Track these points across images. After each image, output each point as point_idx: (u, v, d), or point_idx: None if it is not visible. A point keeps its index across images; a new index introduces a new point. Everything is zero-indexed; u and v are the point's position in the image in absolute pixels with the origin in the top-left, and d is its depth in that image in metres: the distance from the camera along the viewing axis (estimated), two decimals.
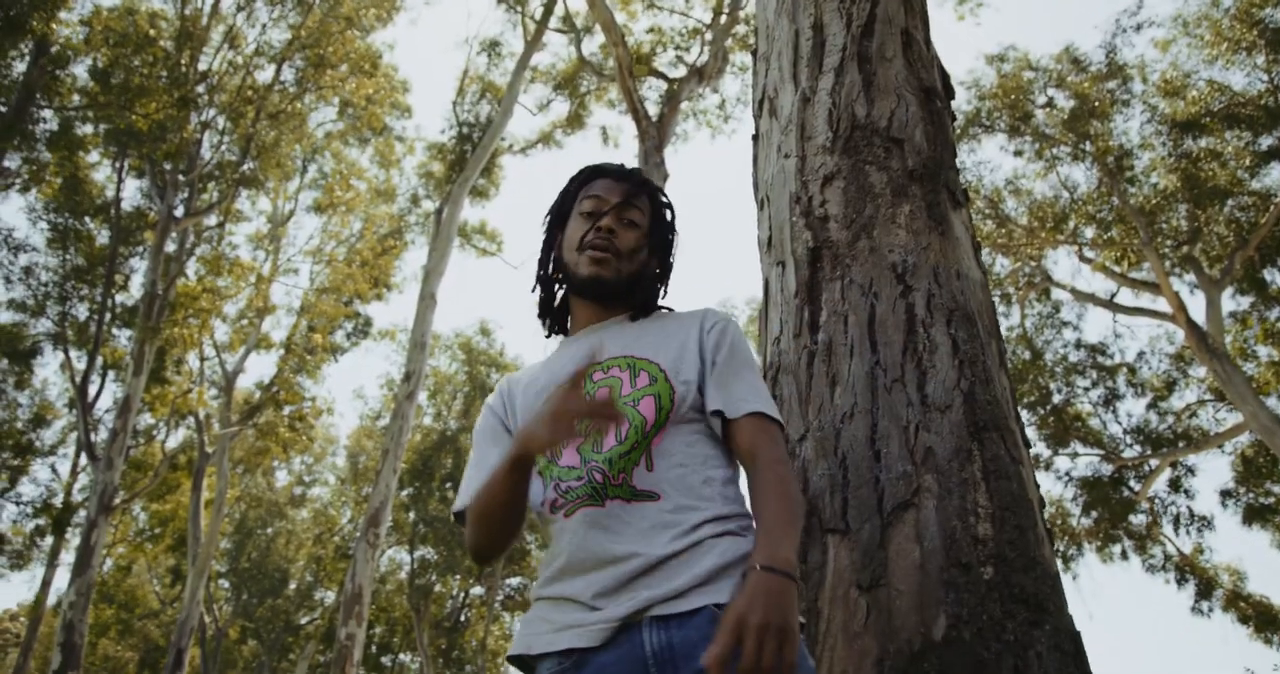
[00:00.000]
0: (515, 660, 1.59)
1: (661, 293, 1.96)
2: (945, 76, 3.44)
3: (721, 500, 1.61)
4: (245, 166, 20.17)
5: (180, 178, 18.97)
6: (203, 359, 21.68)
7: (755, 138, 3.47)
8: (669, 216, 1.97)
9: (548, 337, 1.97)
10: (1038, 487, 2.57)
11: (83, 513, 17.09)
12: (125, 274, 20.33)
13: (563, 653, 1.50)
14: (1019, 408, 2.73)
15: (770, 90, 3.39)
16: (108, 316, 19.58)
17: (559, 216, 1.94)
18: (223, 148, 20.09)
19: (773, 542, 1.45)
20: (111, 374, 19.84)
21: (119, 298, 20.15)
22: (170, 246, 18.98)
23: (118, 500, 17.10)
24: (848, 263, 2.73)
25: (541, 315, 1.95)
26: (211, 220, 20.95)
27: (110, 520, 20.06)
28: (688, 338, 1.78)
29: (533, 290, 1.97)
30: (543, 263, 1.96)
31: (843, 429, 2.43)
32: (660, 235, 1.93)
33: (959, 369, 2.48)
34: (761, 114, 3.41)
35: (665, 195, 2.01)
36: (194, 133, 19.04)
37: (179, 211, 18.99)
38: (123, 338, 20.33)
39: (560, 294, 1.95)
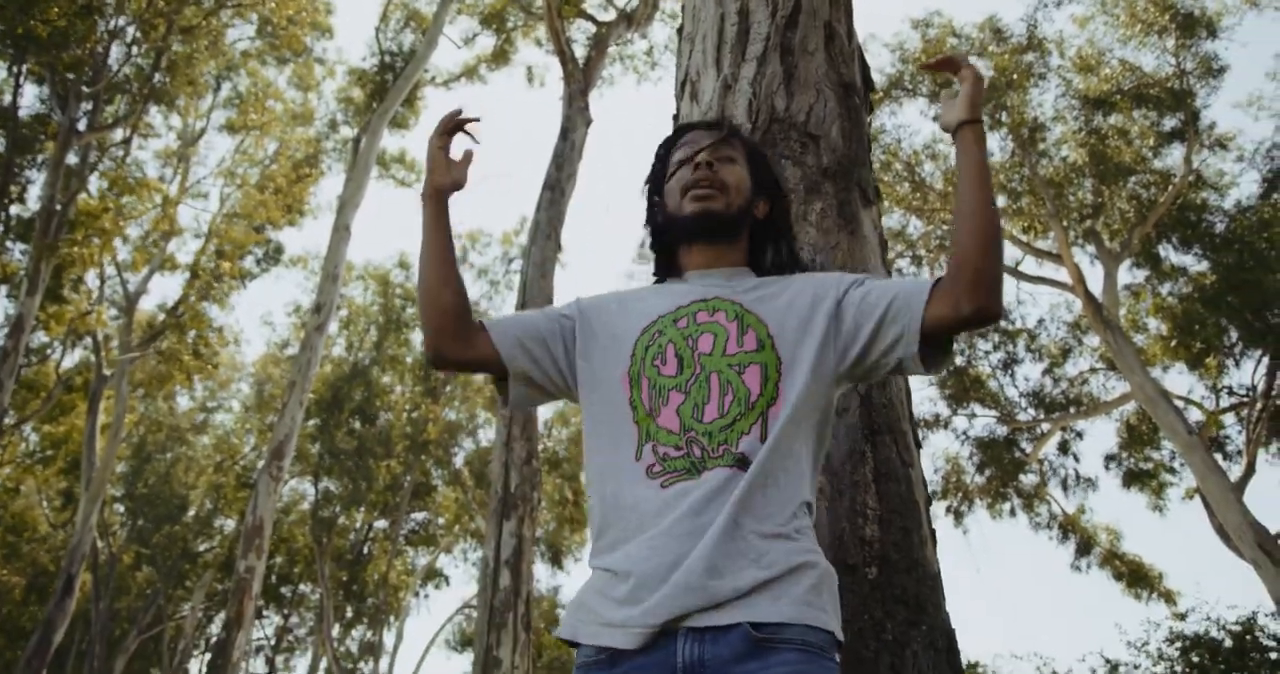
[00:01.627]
0: (563, 641, 1.58)
1: (784, 248, 1.89)
2: (865, 69, 3.48)
3: (791, 520, 1.55)
4: (155, 80, 19.42)
5: (84, 89, 18.19)
6: (103, 279, 21.00)
7: (675, 119, 3.48)
8: (767, 163, 1.93)
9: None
10: (926, 487, 2.68)
11: None
12: (21, 185, 19.50)
13: (601, 647, 1.49)
14: (913, 413, 2.83)
15: (693, 73, 3.39)
16: (2, 229, 18.84)
17: (657, 179, 1.90)
18: (132, 60, 19.29)
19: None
20: (4, 290, 19.17)
21: (14, 210, 19.37)
22: (72, 160, 18.26)
23: (8, 422, 16.63)
24: None
25: (660, 276, 1.90)
26: (118, 135, 20.15)
27: (0, 441, 19.52)
28: (810, 309, 1.69)
29: (655, 262, 1.93)
30: (652, 227, 1.91)
31: None
32: (765, 177, 1.88)
33: None
34: (684, 96, 3.42)
35: (757, 144, 1.99)
36: (99, 42, 18.23)
37: (82, 124, 18.24)
38: (16, 252, 19.59)
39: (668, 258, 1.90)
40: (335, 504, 23.86)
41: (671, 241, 1.86)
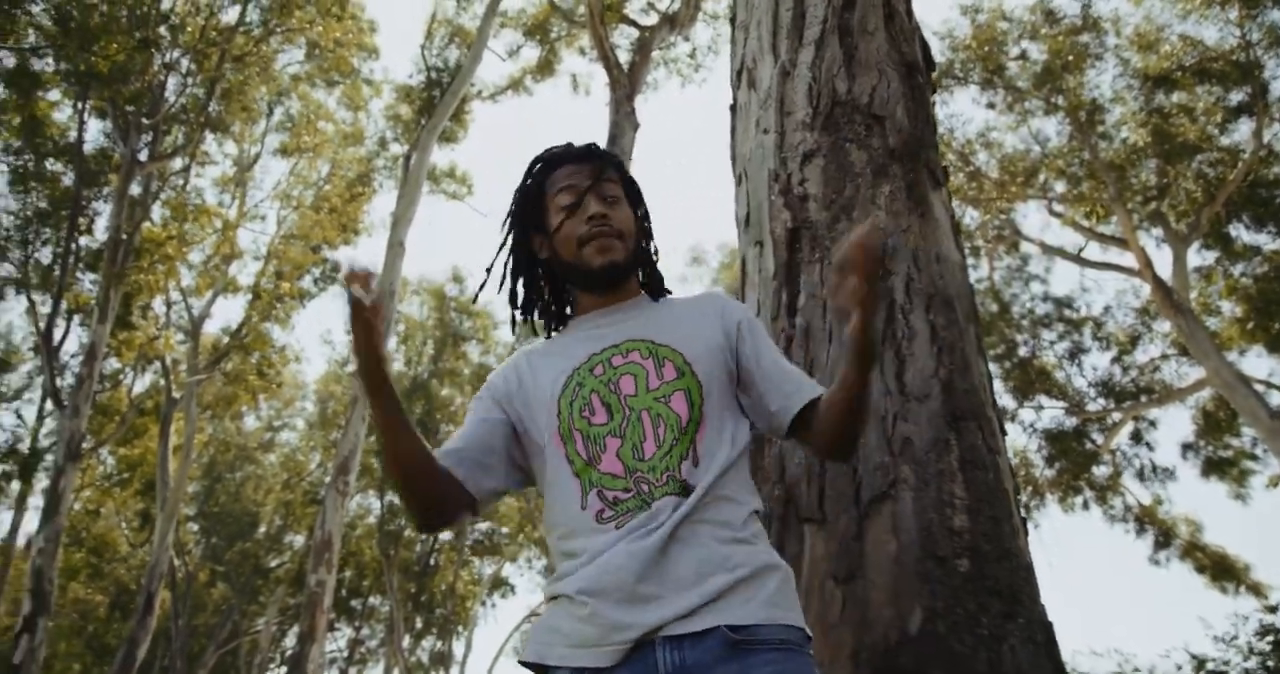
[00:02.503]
0: (528, 665, 1.57)
1: (658, 272, 1.91)
2: (926, 49, 3.39)
3: (745, 526, 1.58)
4: (210, 109, 19.75)
5: (144, 121, 18.56)
6: (169, 304, 21.40)
7: (733, 108, 3.41)
8: (635, 182, 1.90)
9: (549, 336, 1.88)
10: (1014, 475, 2.58)
11: (50, 458, 16.95)
12: (90, 217, 19.93)
13: (577, 669, 1.49)
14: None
15: (749, 61, 3.33)
16: (72, 260, 19.26)
17: (529, 215, 1.84)
18: (187, 90, 19.65)
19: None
20: (77, 319, 19.57)
21: (84, 241, 19.79)
22: (135, 190, 18.62)
23: (85, 447, 16.98)
24: (827, 245, 2.70)
25: (534, 315, 1.89)
26: (177, 164, 20.53)
27: (79, 466, 19.95)
28: (710, 329, 1.75)
29: (511, 302, 1.89)
30: (519, 265, 1.87)
31: None
32: (640, 205, 1.88)
33: (937, 357, 2.48)
34: (740, 85, 3.35)
35: (622, 160, 1.94)
36: (157, 75, 18.58)
37: (143, 155, 18.60)
38: (87, 282, 20.00)
39: (549, 292, 1.89)
40: (400, 517, 24.03)
41: (565, 284, 1.85)
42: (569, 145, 1.86)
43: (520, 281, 1.88)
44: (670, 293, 1.89)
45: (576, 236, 1.75)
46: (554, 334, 1.88)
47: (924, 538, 2.21)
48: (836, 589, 2.20)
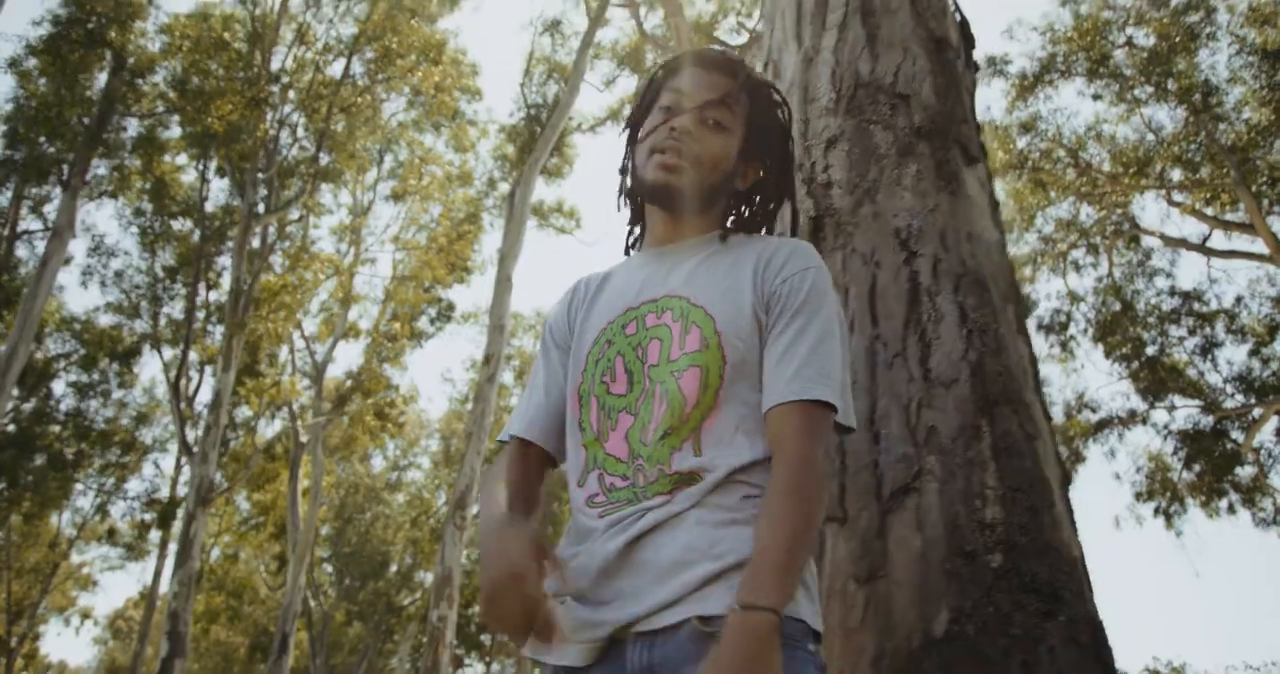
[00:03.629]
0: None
1: (772, 211, 1.66)
2: (964, 24, 3.24)
3: (741, 505, 1.38)
4: (322, 161, 20.46)
5: (260, 175, 19.32)
6: (293, 351, 22.17)
7: None
8: (780, 117, 1.64)
9: (628, 253, 1.71)
10: (1060, 462, 2.39)
11: (185, 506, 17.64)
12: (217, 271, 20.83)
13: (559, 667, 1.39)
14: (1040, 383, 2.54)
15: (774, 52, 3.24)
16: (201, 314, 20.14)
17: (638, 114, 1.65)
18: (298, 142, 20.41)
19: (759, 570, 1.25)
20: (209, 370, 20.40)
21: (213, 295, 20.70)
22: (255, 242, 19.38)
23: (219, 491, 17.64)
24: (850, 231, 2.57)
25: (632, 223, 1.70)
26: (294, 215, 21.31)
27: (214, 511, 20.72)
28: (749, 289, 1.47)
29: (619, 197, 1.71)
30: (625, 169, 1.69)
31: None
32: (763, 141, 1.61)
33: (967, 339, 2.31)
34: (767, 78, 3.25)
35: (774, 90, 1.66)
36: (268, 131, 19.36)
37: (260, 208, 19.36)
38: (218, 334, 20.88)
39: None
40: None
41: (640, 195, 1.65)
42: (715, 51, 1.65)
43: (624, 190, 1.71)
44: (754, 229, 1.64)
45: (649, 144, 1.56)
46: (627, 257, 1.70)
47: (951, 532, 2.04)
48: (858, 591, 2.05)
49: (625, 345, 1.49)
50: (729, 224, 1.63)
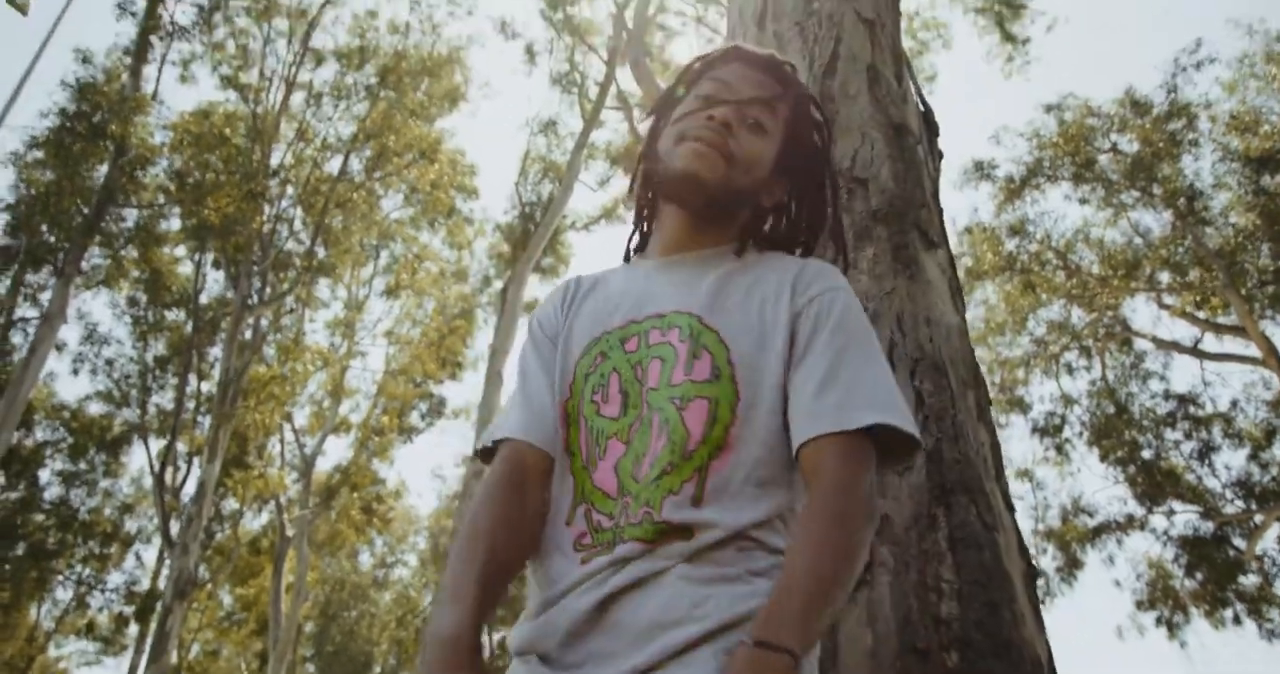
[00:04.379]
0: None
1: (801, 224, 1.50)
2: (927, 112, 3.24)
3: (736, 560, 1.19)
4: (319, 255, 20.61)
5: (254, 267, 19.44)
6: (283, 443, 21.99)
7: None
8: (816, 137, 1.49)
9: (629, 258, 1.53)
10: (1026, 555, 2.28)
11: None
12: (210, 362, 20.78)
13: None
14: (1003, 470, 2.44)
15: None
16: (190, 404, 20.02)
17: (670, 98, 1.50)
18: (295, 236, 20.60)
19: (783, 604, 1.07)
20: (197, 461, 20.19)
21: (204, 386, 20.60)
22: (247, 334, 19.39)
23: (200, 585, 17.27)
24: None
25: (636, 222, 1.53)
26: (288, 307, 21.38)
27: (194, 605, 20.26)
28: (774, 316, 1.30)
29: (629, 191, 1.54)
30: (645, 156, 1.50)
31: None
32: (798, 156, 1.46)
33: (922, 425, 2.23)
34: None
35: (817, 107, 1.52)
36: (264, 224, 19.54)
37: (254, 300, 19.42)
38: (206, 425, 20.72)
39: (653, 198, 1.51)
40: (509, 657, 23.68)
41: (656, 187, 1.47)
42: (766, 52, 1.51)
43: (641, 183, 1.52)
44: (795, 251, 1.48)
45: (682, 131, 1.40)
46: (630, 261, 1.52)
47: (903, 628, 1.93)
48: None
49: (623, 362, 1.30)
50: (748, 238, 1.46)
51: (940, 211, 2.95)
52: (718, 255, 1.40)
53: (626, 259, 1.53)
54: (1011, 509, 2.33)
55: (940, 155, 3.19)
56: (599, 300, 1.41)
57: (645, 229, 1.52)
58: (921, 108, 3.20)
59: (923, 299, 2.53)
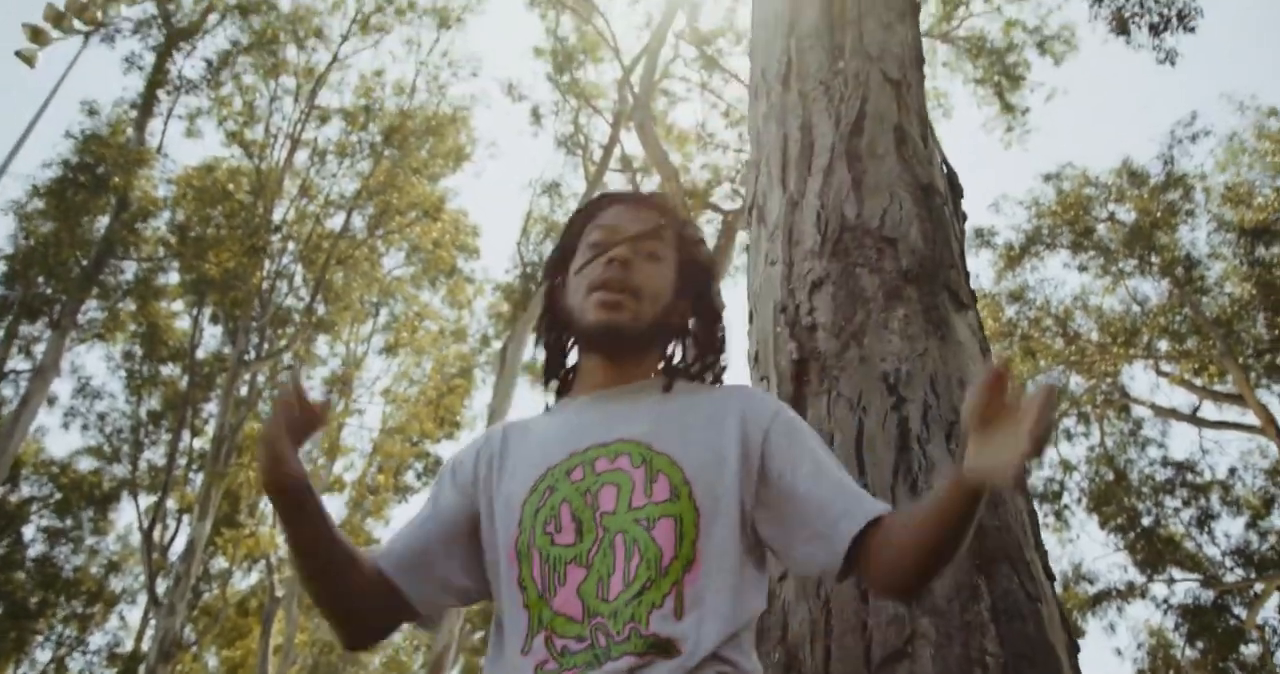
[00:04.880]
0: None
1: (708, 359, 1.55)
2: (951, 174, 3.24)
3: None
4: (318, 311, 20.57)
5: (252, 323, 19.38)
6: None
7: (748, 249, 3.27)
8: (702, 257, 1.57)
9: (554, 402, 1.57)
10: (1068, 626, 2.21)
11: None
12: (204, 418, 20.62)
13: None
14: (1041, 539, 2.37)
15: (759, 197, 3.22)
16: (183, 461, 19.81)
17: (561, 256, 1.57)
18: (295, 292, 20.57)
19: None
20: (186, 519, 19.93)
21: (197, 442, 20.42)
22: (243, 390, 19.26)
23: (186, 646, 16.94)
24: (835, 375, 2.47)
25: (547, 376, 1.57)
26: (286, 361, 21.27)
27: (181, 667, 19.84)
28: (724, 439, 1.38)
29: (535, 345, 1.59)
30: (547, 313, 1.57)
31: None
32: (693, 277, 1.54)
33: None
34: (751, 223, 3.23)
35: (696, 228, 1.61)
36: (264, 279, 19.53)
37: (250, 356, 19.32)
38: (198, 482, 20.48)
39: (564, 350, 1.57)
40: None
41: (568, 340, 1.55)
42: (630, 191, 1.64)
43: (546, 337, 1.57)
44: (706, 379, 1.55)
45: (588, 281, 1.46)
46: (552, 407, 1.56)
47: None
48: None
49: (571, 491, 1.34)
50: (667, 370, 1.53)
51: (967, 273, 2.93)
52: (645, 388, 1.47)
53: (548, 408, 1.57)
54: (1052, 578, 2.27)
55: (964, 217, 3.18)
56: (534, 442, 1.45)
57: (562, 377, 1.57)
58: (945, 169, 3.20)
59: (954, 361, 2.49)
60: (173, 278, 19.91)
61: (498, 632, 1.34)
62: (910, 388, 2.37)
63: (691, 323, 1.55)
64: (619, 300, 1.43)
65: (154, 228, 19.57)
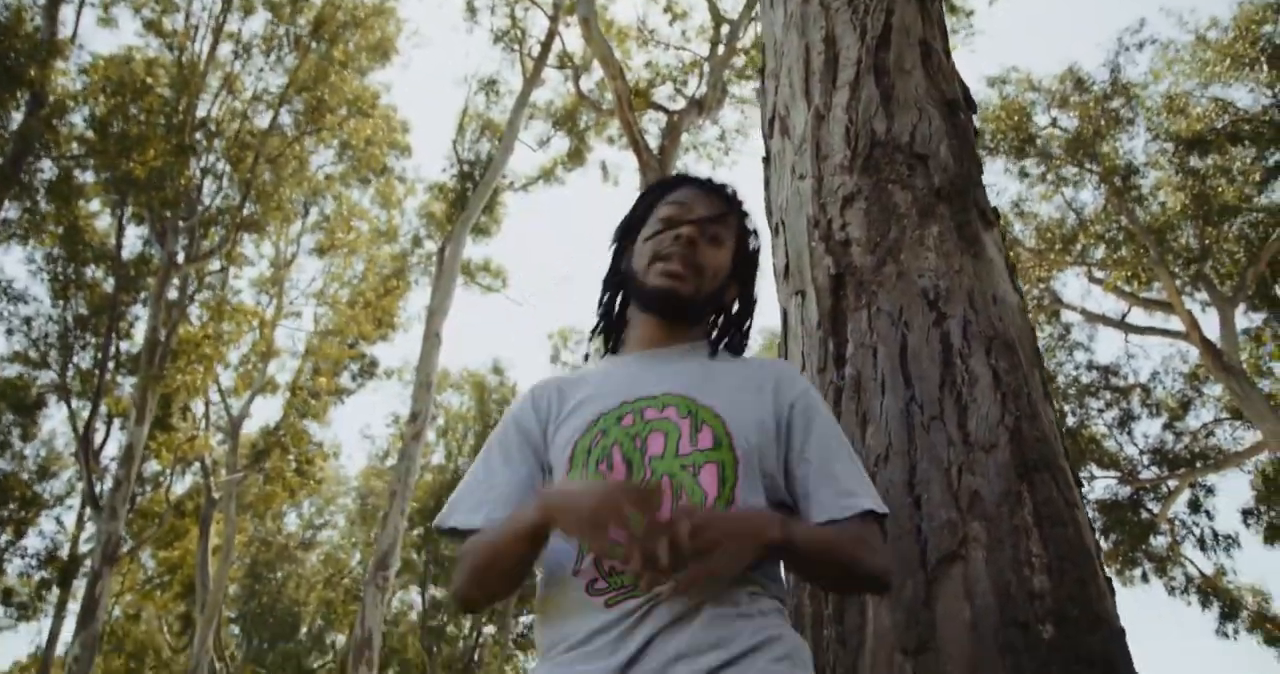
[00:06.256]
0: None
1: (746, 332, 1.75)
2: (965, 89, 3.26)
3: (751, 601, 1.40)
4: (246, 211, 20.04)
5: (180, 224, 18.85)
6: (208, 405, 21.49)
7: (766, 160, 3.28)
8: (753, 245, 1.76)
9: (605, 355, 1.74)
10: (1094, 531, 2.34)
11: (88, 564, 16.82)
12: (129, 322, 20.15)
13: None
14: (1067, 448, 2.49)
15: (781, 109, 3.21)
16: (111, 365, 19.40)
17: (632, 224, 1.74)
18: (223, 193, 19.99)
19: (803, 524, 1.43)
20: (118, 422, 19.65)
21: (124, 345, 19.97)
22: (173, 293, 18.83)
23: (124, 550, 16.88)
24: (874, 290, 2.52)
25: (602, 331, 1.74)
26: (215, 265, 20.78)
27: (118, 570, 19.80)
28: (760, 405, 1.54)
29: (600, 305, 1.76)
30: (609, 275, 1.75)
31: (877, 473, 2.22)
32: (746, 265, 1.73)
33: (1002, 403, 2.27)
34: (773, 134, 3.22)
35: (753, 221, 1.79)
36: (193, 179, 18.94)
37: (180, 257, 18.85)
38: (128, 386, 20.12)
39: (619, 306, 1.74)
40: (443, 612, 23.66)
41: (627, 299, 1.72)
42: (708, 177, 1.76)
43: (608, 295, 1.75)
44: (738, 352, 1.72)
45: (654, 251, 1.63)
46: (601, 360, 1.72)
47: (1002, 602, 1.97)
48: (906, 662, 1.96)
49: (622, 435, 1.48)
50: (714, 340, 1.70)
51: (985, 189, 2.98)
52: (691, 351, 1.64)
53: (601, 356, 1.74)
54: (1080, 486, 2.40)
55: (977, 133, 3.22)
56: (588, 390, 1.58)
57: (614, 335, 1.73)
58: (962, 85, 3.22)
59: (987, 277, 2.54)
60: (90, 176, 19.17)
61: (544, 574, 1.46)
62: (950, 304, 2.43)
63: (735, 304, 1.73)
64: (682, 273, 1.59)
65: (71, 124, 18.76)
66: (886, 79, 2.93)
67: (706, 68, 19.60)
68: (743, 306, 1.74)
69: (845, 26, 3.11)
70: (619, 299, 1.73)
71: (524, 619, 25.71)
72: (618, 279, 1.73)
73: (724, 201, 1.70)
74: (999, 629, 1.94)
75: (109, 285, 19.57)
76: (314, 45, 20.75)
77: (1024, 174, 16.96)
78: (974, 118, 3.20)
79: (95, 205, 19.89)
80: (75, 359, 19.78)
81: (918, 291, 2.48)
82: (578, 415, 1.54)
